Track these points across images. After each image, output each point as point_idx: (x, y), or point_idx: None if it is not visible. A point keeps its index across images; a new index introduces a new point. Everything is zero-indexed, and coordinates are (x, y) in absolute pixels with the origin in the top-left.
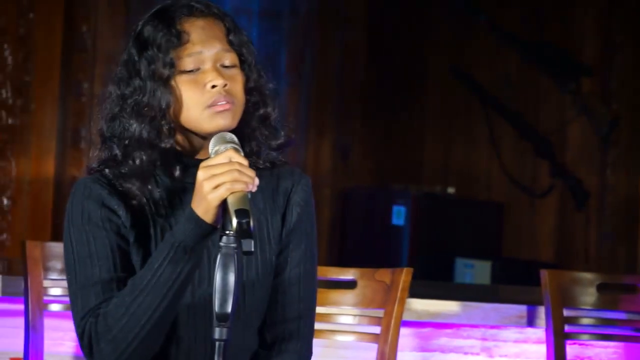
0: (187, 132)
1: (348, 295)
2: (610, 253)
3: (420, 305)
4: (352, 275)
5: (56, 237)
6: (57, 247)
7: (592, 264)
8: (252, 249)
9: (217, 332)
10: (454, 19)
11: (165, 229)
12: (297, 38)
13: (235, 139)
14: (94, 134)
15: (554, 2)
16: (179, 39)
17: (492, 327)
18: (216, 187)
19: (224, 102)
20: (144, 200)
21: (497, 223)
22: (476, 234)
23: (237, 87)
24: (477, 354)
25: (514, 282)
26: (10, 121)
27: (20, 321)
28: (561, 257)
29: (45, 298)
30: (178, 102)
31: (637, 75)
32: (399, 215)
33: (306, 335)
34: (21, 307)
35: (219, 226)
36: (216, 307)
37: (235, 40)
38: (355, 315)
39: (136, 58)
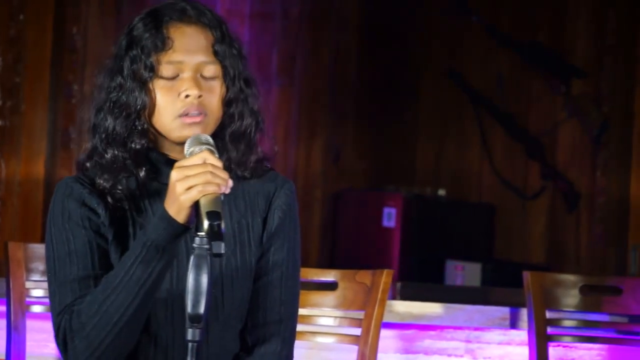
0: (164, 139)
1: (329, 296)
2: (601, 255)
3: (403, 307)
4: (332, 276)
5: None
6: (40, 249)
7: (582, 266)
8: (222, 252)
9: (190, 333)
10: (446, 21)
11: (144, 228)
12: (289, 39)
13: (211, 140)
14: (85, 123)
15: (547, 4)
16: (162, 44)
17: (476, 329)
18: (189, 188)
19: (195, 113)
20: (123, 198)
21: (488, 225)
22: (467, 236)
23: (213, 99)
24: (461, 356)
25: (504, 284)
26: (0, 122)
27: (2, 323)
28: (552, 258)
29: (28, 299)
30: (153, 106)
31: (628, 77)
32: (389, 217)
33: (287, 338)
34: (3, 308)
35: (192, 226)
36: (189, 308)
37: (220, 51)
38: (335, 317)
39: (122, 54)
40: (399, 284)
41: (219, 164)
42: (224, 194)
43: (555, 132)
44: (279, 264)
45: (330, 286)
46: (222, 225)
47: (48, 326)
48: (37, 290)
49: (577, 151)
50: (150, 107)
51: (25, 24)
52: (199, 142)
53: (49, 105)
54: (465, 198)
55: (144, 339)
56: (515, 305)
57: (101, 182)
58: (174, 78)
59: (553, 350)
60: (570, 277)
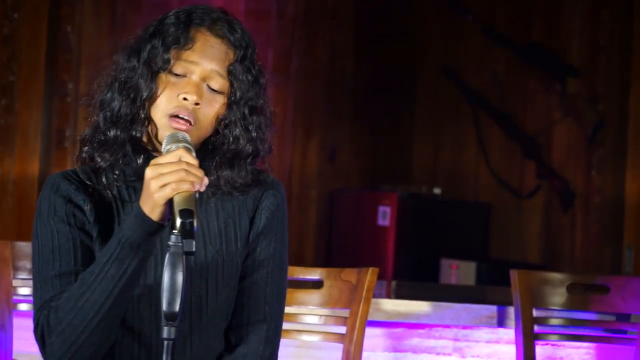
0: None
1: (314, 295)
2: (596, 254)
3: (390, 306)
4: (318, 275)
5: None
6: (27, 247)
7: (578, 265)
8: (193, 249)
9: (166, 332)
10: (443, 20)
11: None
12: (284, 38)
13: (188, 138)
14: (95, 96)
15: (542, 4)
16: (184, 42)
17: (465, 327)
18: (163, 186)
19: (185, 118)
20: (115, 184)
21: (484, 224)
22: (462, 235)
23: (209, 111)
24: (449, 354)
25: (499, 283)
26: None
27: None
28: (547, 258)
29: (15, 298)
30: (156, 98)
31: (623, 76)
32: (384, 216)
33: (271, 338)
34: None
35: (166, 224)
36: (164, 306)
37: (234, 71)
38: (321, 315)
39: (145, 39)
40: (393, 283)
41: (195, 162)
42: (199, 192)
43: (550, 132)
44: (265, 264)
45: (316, 284)
46: (195, 223)
47: None
48: (24, 288)
49: (573, 150)
50: (153, 98)
51: (19, 23)
52: (176, 139)
53: (43, 104)
54: (461, 197)
55: (128, 336)
56: (499, 303)
57: (99, 160)
58: (181, 77)
59: (541, 349)
60: (557, 276)
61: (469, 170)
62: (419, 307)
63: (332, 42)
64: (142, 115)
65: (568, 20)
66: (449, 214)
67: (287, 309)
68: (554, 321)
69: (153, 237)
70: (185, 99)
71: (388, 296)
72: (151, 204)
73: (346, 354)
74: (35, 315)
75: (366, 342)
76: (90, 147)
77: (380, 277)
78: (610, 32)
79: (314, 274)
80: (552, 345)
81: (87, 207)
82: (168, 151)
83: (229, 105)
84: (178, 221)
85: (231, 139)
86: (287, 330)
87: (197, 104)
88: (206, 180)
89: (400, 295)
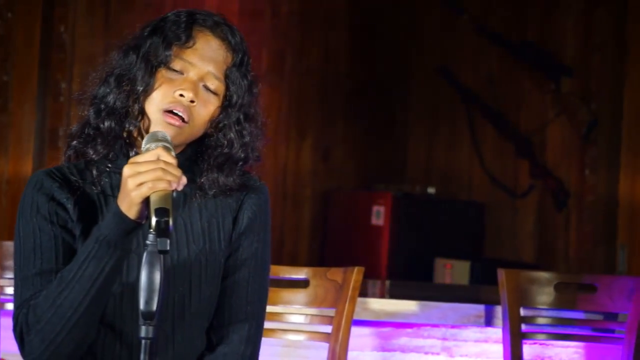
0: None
1: (300, 294)
2: (590, 253)
3: (378, 305)
4: (304, 274)
5: None
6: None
7: (571, 264)
8: (167, 248)
9: (143, 331)
10: (437, 19)
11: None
12: (278, 38)
13: (168, 137)
14: (87, 92)
15: (536, 3)
16: (185, 40)
17: (453, 326)
18: (140, 184)
19: (179, 115)
20: (95, 191)
21: (478, 223)
22: (456, 234)
23: (203, 112)
24: (438, 353)
25: (493, 283)
26: None
27: None
28: (541, 257)
29: (2, 297)
30: (152, 92)
31: (617, 75)
32: (378, 216)
33: (252, 338)
34: None
35: (144, 222)
36: (141, 306)
37: (232, 75)
38: (307, 315)
39: (145, 36)
40: (380, 282)
41: (173, 161)
42: (176, 191)
43: (544, 131)
44: (247, 264)
45: (302, 284)
46: (170, 222)
47: None
48: (12, 287)
49: (566, 149)
50: (149, 92)
51: (13, 23)
52: (156, 138)
53: (37, 104)
54: (455, 196)
55: (109, 335)
56: (487, 302)
57: (91, 152)
58: (179, 74)
59: (530, 348)
60: (545, 275)
61: (463, 169)
62: (407, 307)
63: (326, 42)
64: (137, 109)
65: (562, 19)
66: (443, 213)
67: (274, 308)
68: (541, 320)
69: (130, 236)
70: (181, 95)
71: (382, 295)
72: (128, 202)
73: (332, 353)
74: (14, 313)
75: (354, 342)
76: (79, 142)
77: (375, 276)
78: (604, 31)
79: (300, 273)
80: (541, 344)
81: (70, 206)
82: (147, 150)
83: (224, 108)
84: (153, 220)
85: (225, 142)
86: (273, 330)
87: (192, 101)
88: (184, 180)
89: (388, 294)
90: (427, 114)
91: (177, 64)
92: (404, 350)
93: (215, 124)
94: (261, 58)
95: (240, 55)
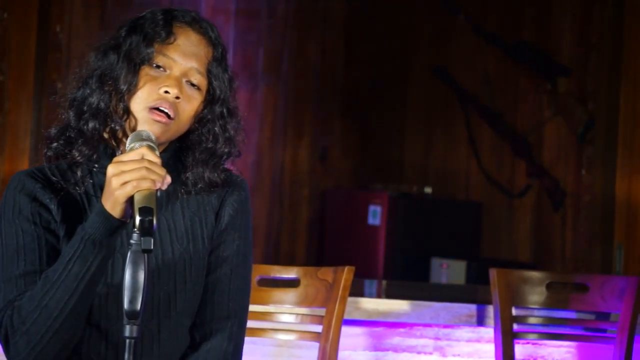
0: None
1: (291, 293)
2: (587, 253)
3: (370, 305)
4: (295, 273)
5: None
6: None
7: (568, 264)
8: (151, 247)
9: (127, 330)
10: (433, 19)
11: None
12: (275, 38)
13: (153, 137)
14: (63, 95)
15: (532, 3)
16: (166, 36)
17: (446, 326)
18: (124, 183)
19: (165, 111)
20: (78, 191)
21: (475, 223)
22: (453, 234)
23: (188, 107)
24: (430, 353)
25: (489, 282)
26: None
27: None
28: (538, 256)
29: None
30: (136, 91)
31: (613, 75)
32: (374, 215)
33: (234, 334)
34: None
35: (128, 221)
36: (125, 305)
37: (214, 70)
38: (297, 314)
39: (123, 35)
40: (384, 282)
41: (157, 160)
42: (160, 190)
43: (541, 130)
44: (228, 261)
45: (293, 283)
46: (154, 221)
47: None
48: None
49: (563, 149)
50: (133, 91)
51: (9, 23)
52: (140, 138)
53: (33, 103)
54: (451, 196)
55: (95, 335)
56: (479, 302)
57: (76, 154)
58: (162, 70)
59: (522, 348)
60: (536, 274)
61: (460, 169)
62: (399, 306)
63: (323, 42)
64: (122, 109)
65: (558, 19)
66: (440, 213)
67: (264, 308)
68: (533, 320)
69: (115, 235)
70: (167, 92)
71: (379, 295)
72: (112, 201)
73: (322, 352)
74: None
75: (347, 341)
76: (60, 144)
77: (371, 276)
78: (601, 31)
79: (290, 273)
80: (533, 344)
81: (53, 206)
82: (131, 149)
83: (207, 103)
84: (137, 219)
85: (210, 137)
86: (263, 329)
87: (177, 97)
88: (168, 179)
89: (384, 294)
90: (424, 113)
91: (159, 61)
92: (396, 350)
93: (199, 119)
94: (258, 58)
95: (220, 50)
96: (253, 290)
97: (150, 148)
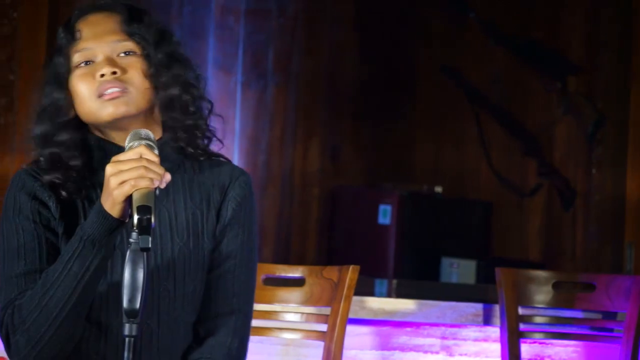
0: (98, 126)
1: (296, 293)
2: (597, 252)
3: (376, 304)
4: (300, 273)
5: None
6: None
7: (579, 263)
8: (149, 246)
9: (127, 329)
10: (444, 18)
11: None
12: (285, 37)
13: (151, 135)
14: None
15: (542, 2)
16: (72, 36)
17: (452, 325)
18: (122, 182)
19: (114, 90)
20: (76, 191)
21: (485, 222)
22: (464, 233)
23: (134, 73)
24: (437, 352)
25: None
26: None
27: None
28: (548, 256)
29: None
30: (75, 97)
31: (623, 74)
32: (385, 215)
33: (239, 330)
34: None
35: (127, 220)
36: (125, 303)
37: (132, 29)
38: (302, 313)
39: (47, 66)
40: (394, 282)
41: (156, 159)
42: (159, 188)
43: (551, 130)
44: (232, 256)
45: (298, 282)
46: (153, 220)
47: None
48: None
49: (573, 149)
50: (71, 100)
51: (18, 22)
52: (138, 137)
53: None
54: (462, 195)
55: (95, 333)
56: (485, 301)
57: (54, 180)
58: (88, 64)
59: (529, 347)
60: (542, 274)
61: (471, 168)
62: (405, 305)
63: (333, 41)
64: (64, 122)
65: (568, 18)
66: (450, 212)
67: (269, 307)
68: (539, 319)
69: (114, 234)
70: (102, 75)
71: (389, 294)
72: (111, 200)
73: (327, 351)
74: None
75: (353, 341)
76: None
77: (381, 275)
78: (611, 30)
79: (295, 272)
80: (540, 343)
81: (52, 204)
82: (130, 148)
83: (147, 57)
84: (135, 217)
85: (162, 85)
86: (269, 328)
87: (114, 72)
88: (168, 177)
89: (390, 293)
90: (434, 113)
91: (77, 58)
92: (403, 349)
93: (151, 75)
94: (267, 57)
95: (126, 11)
96: (258, 289)
97: (149, 147)
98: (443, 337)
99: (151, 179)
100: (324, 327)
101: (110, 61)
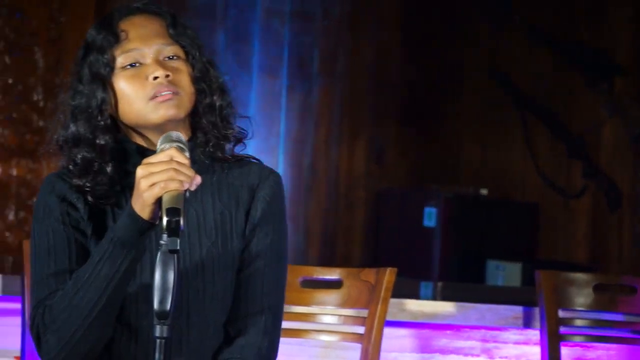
0: (140, 128)
1: (333, 295)
2: None
3: (415, 306)
4: (337, 275)
5: None
6: None
7: (625, 265)
8: (177, 248)
9: (158, 330)
10: (489, 19)
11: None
12: (330, 39)
13: (182, 138)
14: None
15: (588, 3)
16: (116, 38)
17: (492, 328)
18: (152, 185)
19: (167, 92)
20: (106, 195)
21: (531, 224)
22: (509, 236)
23: (183, 77)
24: (477, 355)
25: None
26: (41, 123)
27: (17, 320)
28: (595, 258)
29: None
30: (121, 98)
31: None
32: (430, 217)
33: (269, 330)
34: (18, 306)
35: (157, 222)
36: (155, 305)
37: (177, 34)
38: (340, 315)
39: (80, 64)
40: (439, 284)
41: (186, 161)
42: (189, 190)
43: (597, 131)
44: (262, 255)
45: (335, 284)
46: (182, 222)
47: None
48: None
49: (619, 150)
50: (114, 102)
51: (66, 26)
52: (170, 139)
53: None
54: (507, 197)
55: (125, 334)
56: (526, 304)
57: (81, 185)
58: (136, 66)
59: (570, 350)
60: (583, 276)
61: (516, 170)
62: (443, 308)
63: (378, 42)
64: (102, 124)
65: (614, 18)
66: (496, 214)
67: (307, 309)
68: (580, 322)
69: (144, 236)
70: (155, 77)
71: (434, 297)
72: (141, 203)
73: (364, 353)
74: (31, 314)
75: (393, 343)
76: (81, 176)
77: (427, 278)
78: None
79: (333, 274)
80: (582, 346)
81: (80, 205)
82: (161, 150)
83: (191, 63)
84: (164, 220)
85: (207, 91)
86: (306, 330)
87: (167, 75)
88: (198, 179)
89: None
90: (480, 114)
91: (125, 60)
92: (443, 351)
93: (195, 80)
94: (313, 59)
95: (169, 15)
96: (296, 292)
97: (180, 149)
98: (483, 340)
99: (181, 182)
100: (361, 330)
101: (161, 64)
